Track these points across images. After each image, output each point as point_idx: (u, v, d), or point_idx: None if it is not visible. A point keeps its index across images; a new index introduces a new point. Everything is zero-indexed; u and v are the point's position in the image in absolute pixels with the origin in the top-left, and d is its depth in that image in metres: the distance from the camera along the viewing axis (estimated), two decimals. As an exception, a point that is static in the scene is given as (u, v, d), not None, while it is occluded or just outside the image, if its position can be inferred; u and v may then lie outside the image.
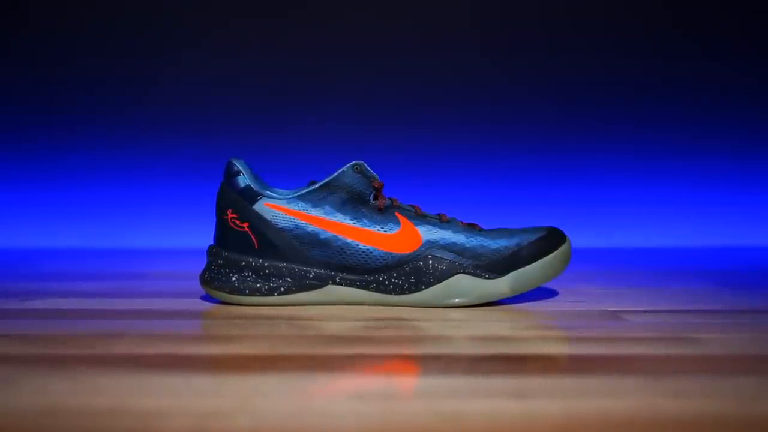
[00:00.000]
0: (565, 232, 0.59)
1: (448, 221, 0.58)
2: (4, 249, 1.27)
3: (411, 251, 0.56)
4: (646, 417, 0.31)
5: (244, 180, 0.57)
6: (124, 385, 0.36)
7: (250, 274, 0.56)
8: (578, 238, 0.64)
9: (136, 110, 1.33)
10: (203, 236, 0.64)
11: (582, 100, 1.32)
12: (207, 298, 0.62)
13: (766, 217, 1.30)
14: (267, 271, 0.56)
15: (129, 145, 1.32)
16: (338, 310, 0.56)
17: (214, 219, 0.59)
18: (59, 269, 0.97)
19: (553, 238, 0.57)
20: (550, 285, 0.68)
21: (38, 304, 0.61)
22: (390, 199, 0.58)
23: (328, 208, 0.56)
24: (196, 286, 0.63)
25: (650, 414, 0.31)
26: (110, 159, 1.31)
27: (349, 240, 0.56)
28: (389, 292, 0.56)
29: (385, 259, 0.56)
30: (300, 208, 0.56)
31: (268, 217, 0.56)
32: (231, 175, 0.58)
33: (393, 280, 0.56)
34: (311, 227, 0.56)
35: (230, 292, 0.57)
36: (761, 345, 0.45)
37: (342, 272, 0.56)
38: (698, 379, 0.37)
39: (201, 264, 0.60)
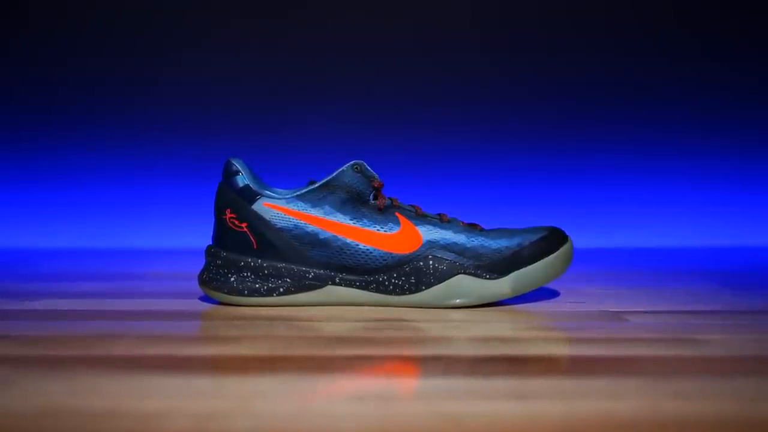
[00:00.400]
0: (567, 232, 0.59)
1: (448, 221, 0.58)
2: (3, 249, 1.27)
3: (411, 251, 0.56)
4: (647, 418, 0.31)
5: (242, 179, 0.57)
6: (124, 386, 0.36)
7: (248, 274, 0.56)
8: (579, 238, 0.64)
9: (136, 110, 1.32)
10: (202, 236, 0.63)
11: (582, 100, 1.32)
12: (206, 298, 0.62)
13: (766, 216, 1.29)
14: (266, 272, 0.56)
15: (129, 145, 1.31)
16: (338, 310, 0.56)
17: (213, 219, 0.59)
18: (59, 270, 0.97)
19: (554, 238, 0.57)
20: (551, 285, 0.68)
21: (38, 304, 0.61)
22: (390, 198, 0.58)
23: (327, 207, 0.56)
24: (195, 287, 0.63)
25: (651, 415, 0.31)
26: (110, 159, 1.31)
27: (348, 240, 0.56)
28: (389, 293, 0.56)
29: (385, 260, 0.56)
30: (299, 207, 0.56)
31: (267, 216, 0.56)
32: (229, 174, 0.57)
33: (393, 280, 0.56)
34: (311, 227, 0.56)
35: (229, 293, 0.57)
36: (762, 346, 0.45)
37: (342, 272, 0.56)
38: (699, 380, 0.37)
39: (200, 264, 0.60)
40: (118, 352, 0.43)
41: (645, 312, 0.56)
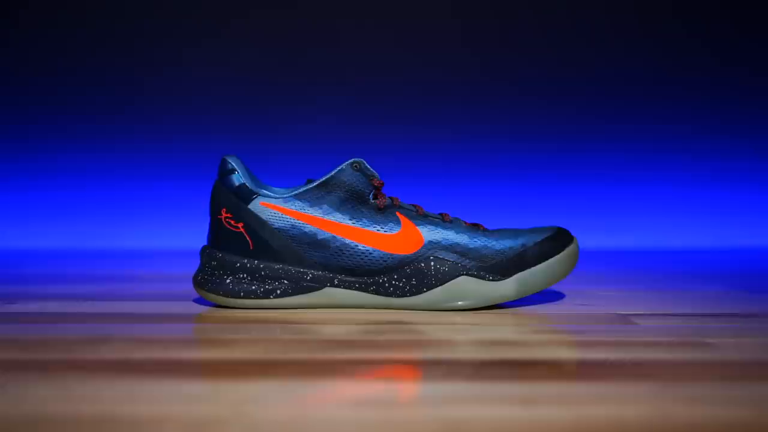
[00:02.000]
0: (572, 233, 0.59)
1: (450, 221, 0.57)
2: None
3: (412, 252, 0.56)
4: (658, 424, 0.31)
5: (238, 178, 0.57)
6: (114, 391, 0.35)
7: (245, 276, 0.56)
8: (585, 238, 0.64)
9: (128, 109, 1.32)
10: (198, 237, 0.63)
11: (589, 98, 1.32)
12: (201, 300, 0.62)
13: None
14: (263, 273, 0.56)
15: (120, 145, 1.31)
16: (336, 313, 0.56)
17: (208, 218, 0.59)
18: (47, 271, 0.97)
19: (559, 239, 0.57)
20: (556, 287, 0.68)
21: (27, 307, 0.61)
22: (390, 198, 0.58)
23: (326, 207, 0.56)
24: (190, 289, 0.63)
25: (662, 421, 0.31)
26: (100, 158, 1.31)
27: (348, 240, 0.55)
28: (390, 295, 0.56)
29: (385, 261, 0.55)
30: (297, 207, 0.56)
31: (263, 216, 0.56)
32: (225, 173, 0.57)
33: (393, 282, 0.56)
34: (309, 227, 0.55)
35: (224, 295, 0.56)
36: (775, 350, 0.45)
37: (341, 274, 0.56)
38: (710, 385, 0.37)
39: (194, 265, 0.60)
40: (109, 355, 0.43)
41: (655, 315, 0.56)
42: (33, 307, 0.61)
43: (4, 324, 0.54)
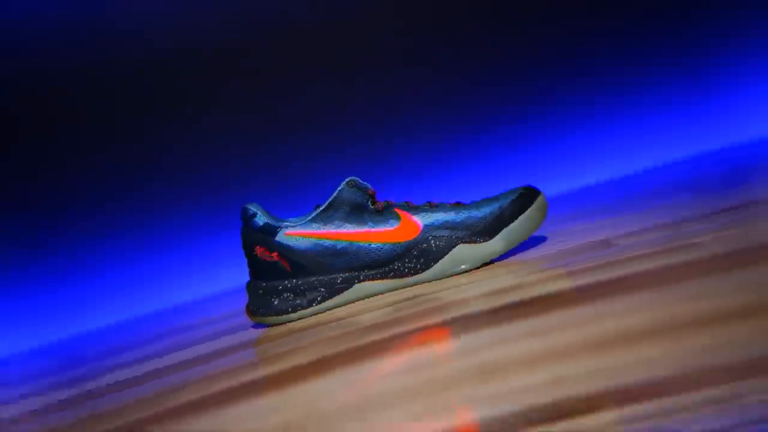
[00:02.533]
0: (538, 187, 0.63)
1: (437, 206, 0.63)
2: (52, 342, 1.17)
3: (414, 237, 0.61)
4: (664, 326, 0.31)
5: (261, 219, 0.62)
6: (199, 426, 0.36)
7: (288, 294, 0.62)
8: (552, 187, 0.64)
9: (146, 186, 1.27)
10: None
11: (510, 50, 1.27)
12: (257, 327, 0.65)
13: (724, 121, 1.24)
14: (302, 288, 0.62)
15: (129, 221, 1.25)
16: (367, 302, 0.60)
17: (245, 259, 0.63)
18: (103, 347, 0.91)
19: (528, 195, 0.62)
20: (537, 233, 0.68)
21: (94, 383, 0.61)
22: (386, 201, 0.64)
23: (337, 222, 0.61)
24: (245, 321, 0.66)
25: (669, 322, 0.31)
26: (110, 238, 1.26)
27: (361, 243, 0.61)
28: (406, 275, 0.61)
29: (395, 250, 0.61)
30: (314, 228, 0.61)
31: (291, 243, 0.61)
32: (248, 218, 0.63)
33: (406, 264, 0.61)
34: (328, 242, 0.61)
35: (276, 314, 0.62)
36: (757, 236, 0.44)
37: (363, 271, 0.61)
38: (705, 280, 0.36)
39: (241, 302, 0.64)
40: (185, 398, 0.43)
41: (634, 232, 0.56)
42: (105, 379, 0.60)
43: (84, 401, 0.53)
